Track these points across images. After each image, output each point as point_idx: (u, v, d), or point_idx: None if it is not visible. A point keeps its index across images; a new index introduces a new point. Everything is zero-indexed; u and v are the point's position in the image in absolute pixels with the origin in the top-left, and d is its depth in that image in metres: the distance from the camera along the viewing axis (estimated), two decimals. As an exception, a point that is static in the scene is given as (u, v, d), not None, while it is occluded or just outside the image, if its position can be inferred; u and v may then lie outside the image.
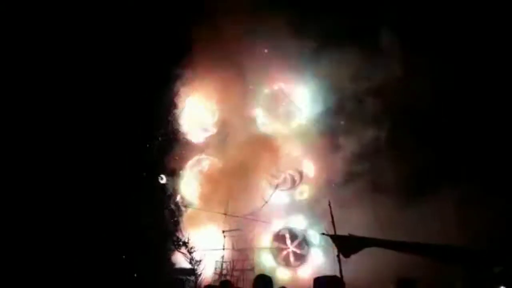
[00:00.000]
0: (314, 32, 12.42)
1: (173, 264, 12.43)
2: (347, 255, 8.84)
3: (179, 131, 13.73)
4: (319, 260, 12.39)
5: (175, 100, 13.63)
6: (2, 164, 11.32)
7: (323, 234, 11.10)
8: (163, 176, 13.35)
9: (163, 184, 13.36)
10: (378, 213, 11.13)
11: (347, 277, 7.28)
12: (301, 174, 13.26)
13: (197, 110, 13.91)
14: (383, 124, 12.25)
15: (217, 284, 10.80)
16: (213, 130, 13.72)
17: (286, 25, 12.46)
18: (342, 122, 12.72)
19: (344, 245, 9.00)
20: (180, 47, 13.12)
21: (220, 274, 11.81)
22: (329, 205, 8.86)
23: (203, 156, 13.56)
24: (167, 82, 13.34)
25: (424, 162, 11.25)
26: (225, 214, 12.18)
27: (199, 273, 11.86)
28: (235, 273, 11.85)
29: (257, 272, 10.88)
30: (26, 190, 11.40)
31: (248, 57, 12.87)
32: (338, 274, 7.23)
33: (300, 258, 12.53)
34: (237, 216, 12.13)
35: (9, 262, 10.37)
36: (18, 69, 11.96)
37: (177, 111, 13.75)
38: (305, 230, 12.62)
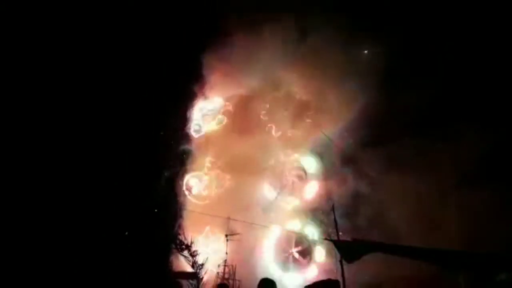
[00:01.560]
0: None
1: (174, 267, 12.38)
2: (350, 261, 8.85)
3: (185, 131, 13.77)
4: (321, 265, 12.31)
5: (185, 99, 13.75)
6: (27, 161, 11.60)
7: (326, 239, 11.19)
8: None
9: (167, 185, 13.36)
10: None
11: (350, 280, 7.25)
12: (301, 177, 13.23)
13: (205, 110, 14.03)
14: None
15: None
16: (218, 132, 13.71)
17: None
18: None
19: (347, 250, 8.99)
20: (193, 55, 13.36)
21: (223, 278, 11.76)
22: (333, 209, 8.87)
23: (207, 158, 13.54)
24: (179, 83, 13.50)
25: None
26: (228, 218, 12.22)
27: (201, 277, 11.83)
28: (237, 277, 11.79)
29: (259, 275, 10.80)
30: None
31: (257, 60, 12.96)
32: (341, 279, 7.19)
33: (300, 265, 12.44)
34: (241, 221, 12.12)
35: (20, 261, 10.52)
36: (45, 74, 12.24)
37: (186, 111, 13.84)
38: (310, 237, 12.52)
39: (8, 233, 10.86)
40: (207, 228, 12.81)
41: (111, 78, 12.65)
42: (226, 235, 12.22)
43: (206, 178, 13.49)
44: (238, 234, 12.19)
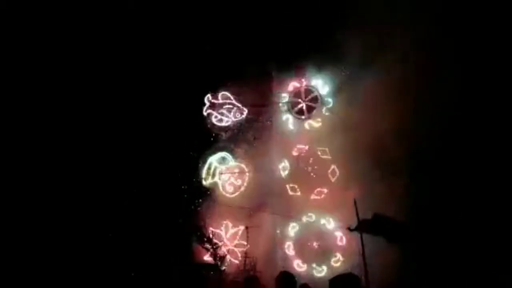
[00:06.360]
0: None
1: (196, 259, 12.52)
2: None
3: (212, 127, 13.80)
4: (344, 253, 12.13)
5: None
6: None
7: (349, 229, 11.10)
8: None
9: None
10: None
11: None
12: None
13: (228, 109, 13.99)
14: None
15: (241, 279, 10.94)
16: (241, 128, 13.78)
17: None
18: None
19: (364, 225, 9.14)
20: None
21: (244, 271, 11.83)
22: (355, 203, 8.81)
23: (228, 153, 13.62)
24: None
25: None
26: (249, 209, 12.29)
27: (222, 268, 11.94)
28: (258, 269, 11.84)
29: (281, 268, 10.79)
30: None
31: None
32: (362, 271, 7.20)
33: (321, 254, 12.28)
34: (262, 211, 12.16)
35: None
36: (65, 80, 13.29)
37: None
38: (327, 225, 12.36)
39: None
40: (227, 221, 12.86)
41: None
42: (247, 227, 12.28)
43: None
44: (258, 227, 12.25)
